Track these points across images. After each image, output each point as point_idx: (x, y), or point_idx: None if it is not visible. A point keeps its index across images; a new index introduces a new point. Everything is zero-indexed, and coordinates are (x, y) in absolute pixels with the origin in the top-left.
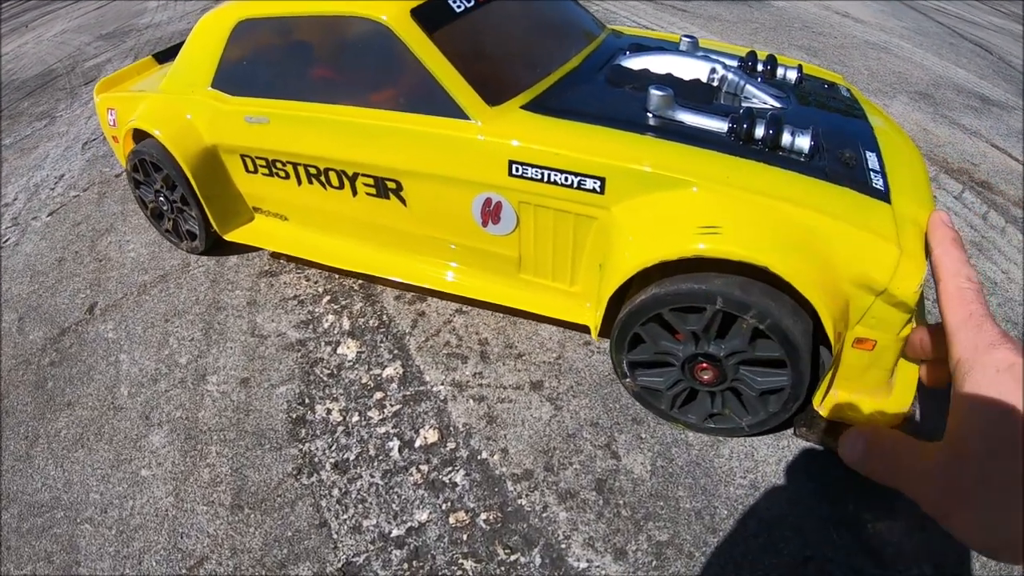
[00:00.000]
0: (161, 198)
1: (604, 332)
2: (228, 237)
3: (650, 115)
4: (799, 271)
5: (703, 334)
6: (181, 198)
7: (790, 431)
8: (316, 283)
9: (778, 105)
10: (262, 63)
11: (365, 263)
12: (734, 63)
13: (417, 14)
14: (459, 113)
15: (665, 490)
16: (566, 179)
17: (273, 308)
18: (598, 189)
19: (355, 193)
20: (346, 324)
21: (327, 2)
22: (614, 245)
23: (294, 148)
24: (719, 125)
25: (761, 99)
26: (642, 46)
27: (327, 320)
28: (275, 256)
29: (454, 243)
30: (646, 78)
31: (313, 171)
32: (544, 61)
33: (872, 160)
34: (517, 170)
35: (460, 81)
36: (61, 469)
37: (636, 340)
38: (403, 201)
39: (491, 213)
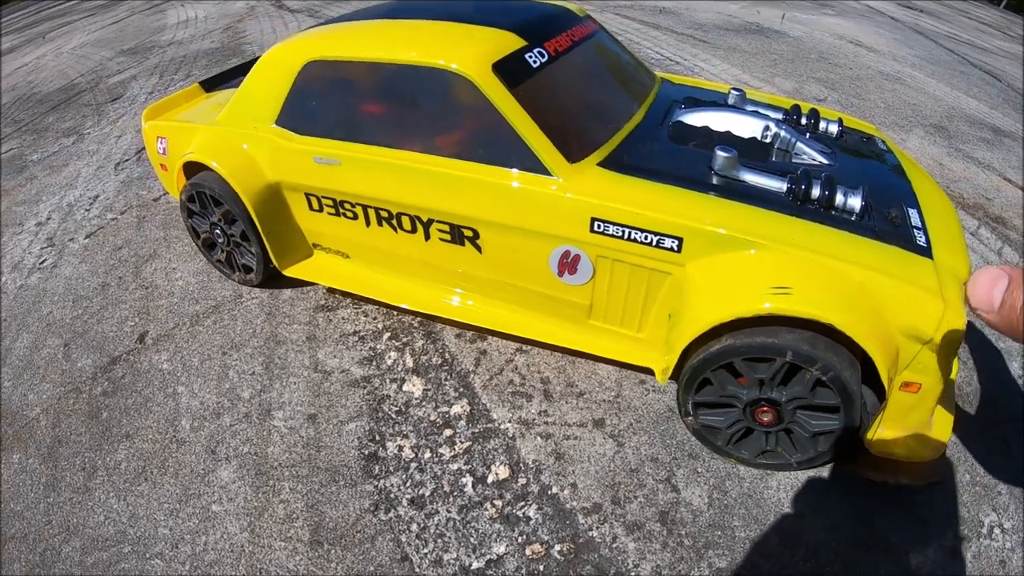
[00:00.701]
0: (217, 231)
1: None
2: (288, 272)
3: (716, 174)
4: (860, 327)
5: (768, 381)
6: (241, 233)
7: (833, 465)
8: (375, 319)
9: (826, 162)
10: (333, 104)
11: (433, 305)
12: (779, 115)
13: (498, 68)
14: (541, 168)
15: (722, 520)
16: (646, 237)
17: (334, 344)
18: (675, 248)
19: (428, 238)
20: (409, 361)
21: (406, 50)
22: (688, 299)
23: (366, 191)
24: (778, 185)
25: (810, 156)
26: (696, 99)
27: (390, 357)
28: (331, 291)
29: (526, 289)
30: (708, 135)
31: (384, 214)
32: (613, 116)
33: (914, 217)
34: (599, 227)
35: (542, 137)
36: (124, 502)
37: (703, 383)
38: (478, 248)
39: (568, 264)
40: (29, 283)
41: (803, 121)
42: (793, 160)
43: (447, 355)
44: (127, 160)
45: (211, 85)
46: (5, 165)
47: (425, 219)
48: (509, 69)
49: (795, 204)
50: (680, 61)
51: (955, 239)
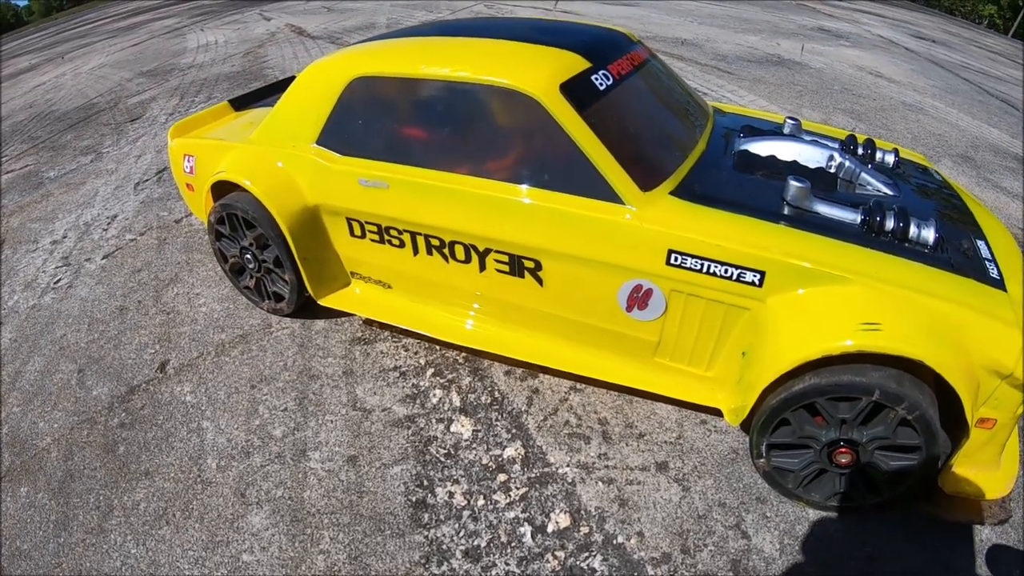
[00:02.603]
0: (247, 256)
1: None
2: (323, 302)
3: (789, 205)
4: (950, 364)
5: (850, 421)
6: (274, 259)
7: (903, 505)
8: (416, 354)
9: (890, 192)
10: (381, 124)
11: (483, 339)
12: (836, 145)
13: (566, 89)
14: (613, 196)
15: (795, 567)
16: (726, 271)
17: (373, 380)
18: (757, 282)
19: (483, 268)
20: (456, 400)
21: (464, 67)
22: (768, 335)
23: (417, 217)
24: (852, 216)
25: (874, 186)
26: (755, 128)
27: (435, 395)
28: (368, 323)
29: (589, 325)
30: (774, 165)
31: (436, 242)
32: (680, 142)
33: (984, 249)
34: (676, 259)
35: (613, 163)
36: (144, 547)
37: (779, 423)
38: (539, 281)
39: (639, 299)
40: (43, 303)
41: (860, 151)
42: (857, 190)
43: (496, 393)
44: (147, 180)
45: (241, 104)
46: (21, 181)
47: (481, 248)
48: (577, 90)
49: (870, 236)
50: (708, 92)
51: (1020, 271)
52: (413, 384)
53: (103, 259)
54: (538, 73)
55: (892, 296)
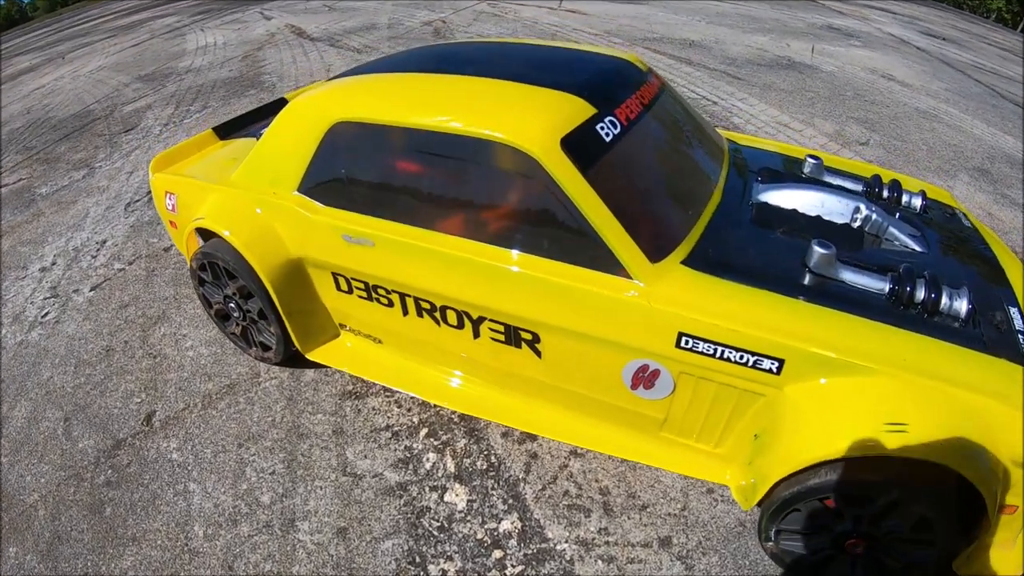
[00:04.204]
0: (231, 304)
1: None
2: (312, 356)
3: (811, 272)
4: (974, 466)
5: (866, 516)
6: (258, 311)
7: None
8: (409, 411)
9: (919, 249)
10: (365, 174)
11: (479, 406)
12: (860, 186)
13: (567, 144)
14: (619, 269)
15: None
16: (741, 357)
17: (364, 440)
18: (775, 370)
19: (477, 335)
20: (451, 465)
21: (454, 117)
22: (784, 425)
23: (404, 279)
24: (879, 285)
25: (902, 242)
26: (773, 170)
27: (428, 459)
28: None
29: (591, 398)
30: (795, 220)
31: (426, 306)
32: (693, 196)
33: (1017, 320)
34: (687, 343)
35: (620, 232)
36: None
37: (791, 510)
38: (537, 353)
39: (645, 379)
40: (30, 339)
41: (885, 194)
42: (883, 245)
43: (493, 458)
44: (138, 201)
45: (226, 131)
46: (13, 198)
47: (475, 316)
48: (580, 145)
49: (899, 309)
50: (717, 101)
51: None
52: (406, 446)
53: (91, 291)
54: (537, 126)
55: (921, 388)
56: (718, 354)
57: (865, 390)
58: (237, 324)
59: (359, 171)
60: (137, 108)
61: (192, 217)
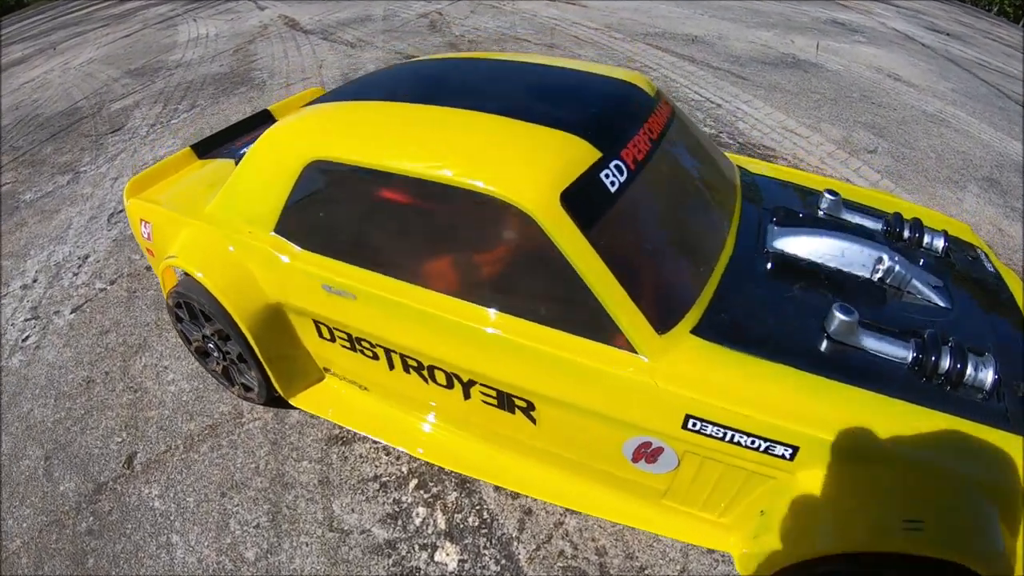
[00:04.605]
0: (210, 345)
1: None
2: (295, 403)
3: (831, 339)
4: (993, 560)
5: None
6: (238, 355)
7: None
8: (398, 459)
9: (942, 304)
10: (345, 220)
11: (472, 465)
12: (880, 225)
13: (568, 199)
14: (622, 342)
15: None
16: (752, 442)
17: (351, 492)
18: (788, 456)
19: (468, 397)
20: (441, 521)
21: (442, 165)
22: (794, 510)
23: (389, 336)
24: (902, 353)
25: (925, 295)
26: (789, 210)
27: (418, 514)
28: None
29: (589, 466)
30: (814, 275)
31: (412, 363)
32: (704, 249)
33: None
34: (694, 425)
35: (625, 301)
36: None
37: None
38: (532, 420)
39: (647, 454)
40: (10, 366)
41: (907, 234)
42: (905, 298)
43: (485, 513)
44: (120, 211)
45: (204, 148)
46: None
47: (465, 379)
48: (582, 199)
49: (921, 380)
50: (721, 103)
51: None
52: (394, 499)
53: (72, 313)
54: (534, 178)
55: (939, 477)
56: (728, 438)
57: (882, 479)
58: (218, 363)
59: (338, 216)
60: (125, 106)
61: (166, 252)
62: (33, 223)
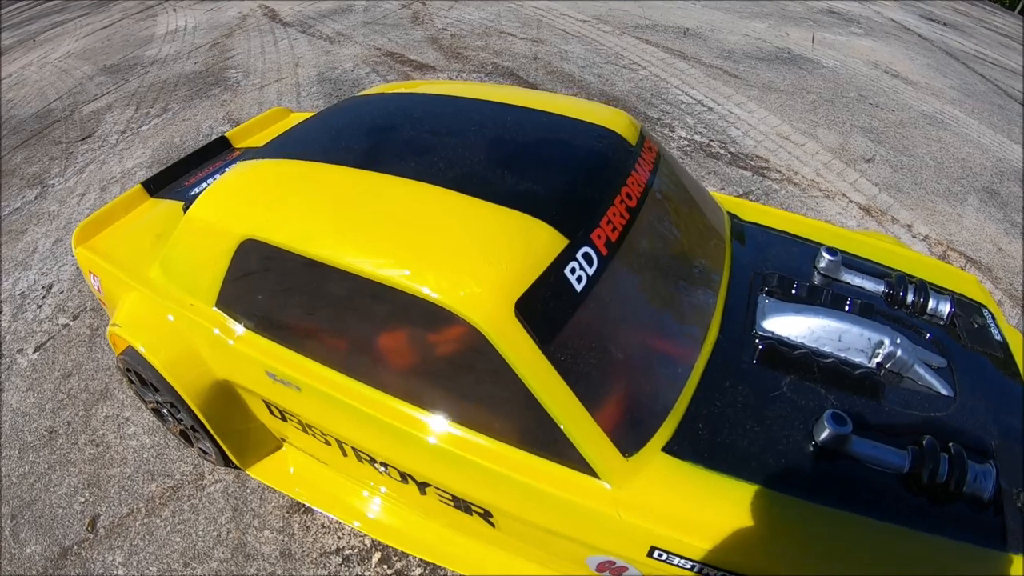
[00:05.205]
0: (164, 410)
1: None
2: (252, 473)
3: (820, 449)
4: None
5: None
6: (191, 425)
7: None
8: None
9: (944, 392)
10: (284, 305)
11: (435, 551)
12: (882, 287)
13: (524, 309)
14: (583, 466)
15: None
16: None
17: (313, 565)
18: None
19: (423, 493)
20: None
21: (382, 261)
22: None
23: (337, 432)
24: (898, 462)
25: (927, 382)
26: (783, 279)
27: None
28: None
29: (555, 568)
30: (806, 366)
31: (366, 458)
32: (685, 343)
33: None
34: (660, 556)
35: (588, 424)
36: None
37: None
38: (491, 524)
39: (612, 569)
40: None
41: (910, 299)
42: (904, 384)
43: None
44: None
45: (157, 184)
46: None
47: (419, 480)
48: (542, 305)
49: (916, 492)
50: (713, 107)
51: None
52: (357, 575)
53: (35, 352)
54: (486, 284)
55: None
56: (697, 569)
57: None
58: (175, 424)
59: (277, 300)
60: (97, 108)
61: (114, 307)
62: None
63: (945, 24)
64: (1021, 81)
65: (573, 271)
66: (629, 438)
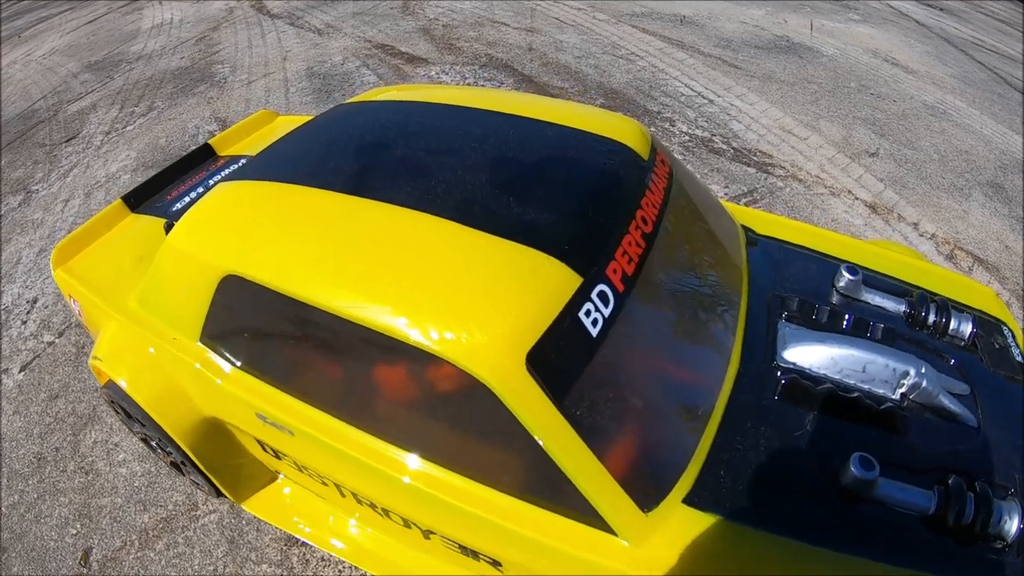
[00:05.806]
0: (153, 443)
1: None
2: (247, 507)
3: (846, 492)
4: None
5: None
6: (180, 460)
7: None
8: None
9: (969, 423)
10: (272, 346)
11: None
12: (903, 307)
13: (536, 361)
14: (599, 522)
15: None
16: None
17: None
18: None
19: (428, 539)
20: None
21: (376, 310)
22: None
23: (333, 477)
24: (924, 504)
25: (950, 412)
26: (803, 303)
27: None
28: None
29: None
30: (830, 402)
31: (366, 502)
32: (705, 383)
33: None
34: None
35: (605, 480)
36: None
37: None
38: (499, 570)
39: None
40: None
41: (931, 319)
42: (928, 415)
43: None
44: None
45: (138, 198)
46: None
47: (423, 528)
48: (555, 355)
49: (942, 534)
50: (714, 99)
51: None
52: None
53: (21, 373)
54: (493, 334)
55: None
56: None
57: None
58: (164, 456)
59: (264, 339)
60: (82, 108)
61: (95, 333)
62: None
63: (942, 9)
64: (1021, 69)
65: (588, 313)
66: (648, 491)
